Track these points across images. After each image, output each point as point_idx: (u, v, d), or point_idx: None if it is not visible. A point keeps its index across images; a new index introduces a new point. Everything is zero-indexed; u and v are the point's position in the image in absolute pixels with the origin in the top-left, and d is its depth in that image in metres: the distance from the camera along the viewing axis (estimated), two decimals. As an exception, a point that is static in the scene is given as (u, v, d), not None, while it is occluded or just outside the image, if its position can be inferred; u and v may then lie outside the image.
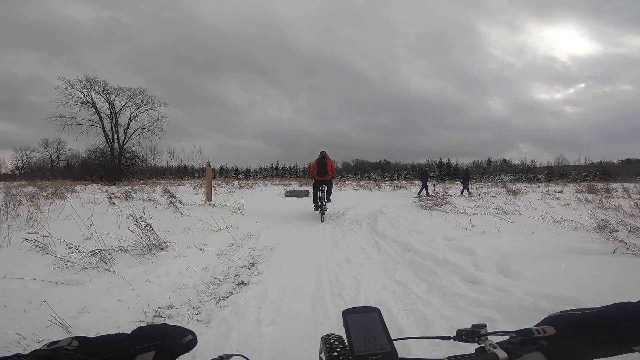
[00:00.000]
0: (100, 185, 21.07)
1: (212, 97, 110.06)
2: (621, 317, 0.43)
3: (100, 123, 31.89)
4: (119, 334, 0.42)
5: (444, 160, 66.26)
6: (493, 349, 0.45)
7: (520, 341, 0.46)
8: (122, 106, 32.74)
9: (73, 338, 0.38)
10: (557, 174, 63.13)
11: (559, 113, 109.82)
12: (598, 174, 59.20)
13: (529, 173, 65.65)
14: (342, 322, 0.48)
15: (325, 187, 6.65)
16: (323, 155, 6.63)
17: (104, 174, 28.48)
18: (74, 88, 29.62)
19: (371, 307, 0.51)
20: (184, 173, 64.74)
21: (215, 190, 15.50)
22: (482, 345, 0.47)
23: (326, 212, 6.47)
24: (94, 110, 31.29)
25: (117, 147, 32.76)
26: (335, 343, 0.55)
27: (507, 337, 0.47)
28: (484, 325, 0.48)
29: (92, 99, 31.13)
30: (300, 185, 17.08)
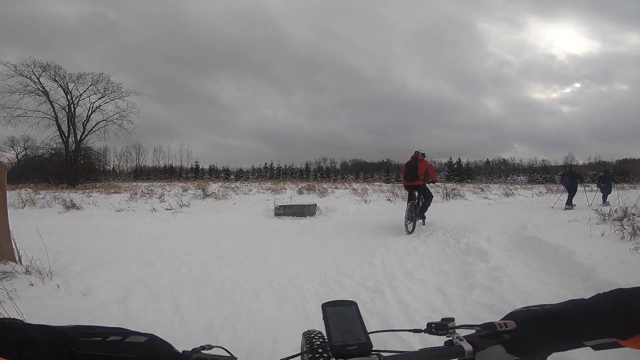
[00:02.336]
0: (30, 190, 15.70)
1: (205, 95, 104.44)
2: (574, 313, 0.45)
3: (53, 115, 25.98)
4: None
5: (454, 160, 61.07)
6: (460, 342, 0.47)
7: (484, 334, 0.48)
8: (81, 94, 26.78)
9: (75, 325, 0.41)
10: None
11: (555, 113, 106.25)
12: (616, 174, 55.44)
13: (544, 173, 60.86)
14: (322, 315, 0.49)
15: (417, 195, 5.60)
16: (415, 156, 5.59)
17: (46, 175, 22.69)
18: (22, 75, 23.71)
19: (349, 300, 0.52)
20: (170, 173, 60.01)
21: (162, 200, 9.74)
22: (450, 338, 0.49)
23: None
24: (45, 98, 25.38)
25: (74, 143, 26.94)
26: (315, 337, 0.62)
27: (473, 331, 0.50)
28: (452, 319, 0.49)
29: (43, 87, 25.24)
30: (300, 192, 11.29)
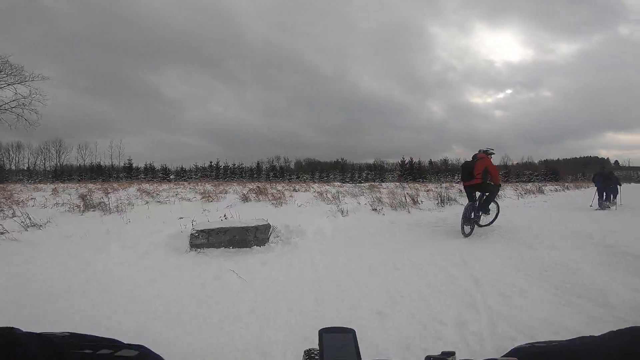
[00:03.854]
0: None
1: (146, 89, 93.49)
2: (583, 351, 0.41)
3: None
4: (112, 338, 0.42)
5: (406, 160, 61.58)
6: None
7: None
8: (-34, 77, 19.91)
9: (69, 332, 0.40)
10: (512, 173, 63.70)
11: (489, 117, 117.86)
12: (549, 174, 61.42)
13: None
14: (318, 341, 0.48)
15: (479, 195, 5.05)
16: (474, 155, 5.07)
17: None
18: None
19: (348, 328, 0.49)
20: (98, 173, 52.42)
21: (12, 214, 5.58)
22: None
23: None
24: None
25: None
26: (315, 357, 0.56)
27: None
28: (453, 353, 0.47)
29: None
30: (245, 199, 7.81)
